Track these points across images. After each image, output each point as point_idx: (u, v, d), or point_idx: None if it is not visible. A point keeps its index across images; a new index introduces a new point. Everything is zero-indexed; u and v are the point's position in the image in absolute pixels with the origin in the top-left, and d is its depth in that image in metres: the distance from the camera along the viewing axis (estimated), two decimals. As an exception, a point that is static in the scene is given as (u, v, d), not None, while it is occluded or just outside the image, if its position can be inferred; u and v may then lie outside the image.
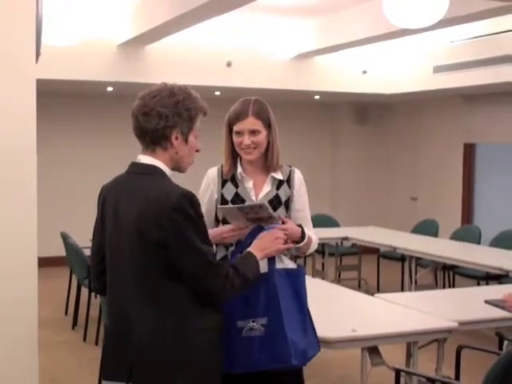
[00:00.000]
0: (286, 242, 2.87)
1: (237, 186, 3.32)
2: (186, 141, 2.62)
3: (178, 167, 2.67)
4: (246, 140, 3.25)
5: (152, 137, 2.59)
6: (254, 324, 2.73)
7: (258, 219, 2.98)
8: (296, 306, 2.86)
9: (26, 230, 3.37)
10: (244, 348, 2.74)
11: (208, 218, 3.31)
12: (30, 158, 3.39)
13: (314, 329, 2.98)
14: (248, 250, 2.75)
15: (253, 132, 3.25)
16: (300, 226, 3.24)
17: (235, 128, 3.28)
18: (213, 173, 3.39)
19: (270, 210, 2.98)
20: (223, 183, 3.34)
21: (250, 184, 3.33)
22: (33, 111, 3.40)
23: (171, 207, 2.46)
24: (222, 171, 3.37)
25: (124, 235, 2.54)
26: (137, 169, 2.63)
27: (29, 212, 3.38)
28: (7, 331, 3.35)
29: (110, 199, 2.65)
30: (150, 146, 2.61)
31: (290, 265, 2.97)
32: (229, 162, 3.36)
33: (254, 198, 3.29)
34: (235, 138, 3.30)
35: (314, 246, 3.36)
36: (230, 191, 3.32)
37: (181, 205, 2.46)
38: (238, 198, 3.30)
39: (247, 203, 3.14)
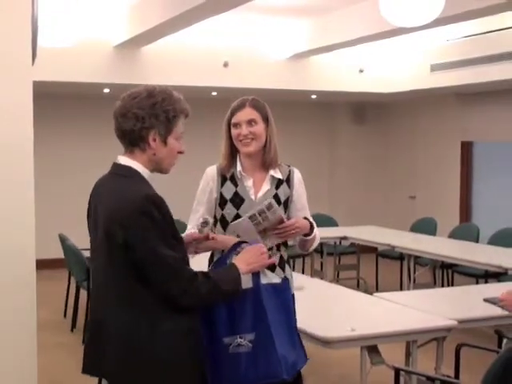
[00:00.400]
0: (270, 257, 2.80)
1: (236, 185, 3.33)
2: (164, 142, 2.59)
3: (158, 169, 2.65)
4: (244, 130, 3.27)
5: (130, 138, 2.59)
6: (242, 340, 2.67)
7: (269, 229, 3.04)
8: (284, 320, 2.79)
9: (24, 232, 3.37)
10: (231, 365, 2.67)
11: (210, 216, 3.33)
12: (28, 160, 3.38)
13: (301, 341, 2.93)
14: (232, 262, 2.71)
15: (250, 122, 3.27)
16: (306, 218, 3.28)
17: (233, 120, 3.30)
18: (212, 171, 3.39)
19: (278, 209, 2.98)
20: (222, 182, 3.34)
21: (249, 182, 3.33)
22: (30, 113, 3.39)
23: (135, 210, 2.46)
24: (221, 170, 3.37)
25: (99, 236, 2.57)
26: (115, 169, 2.64)
27: (27, 214, 3.37)
28: (6, 334, 3.34)
29: (94, 198, 2.68)
30: (129, 147, 2.61)
31: (275, 279, 2.90)
32: (227, 159, 3.37)
33: (252, 197, 3.30)
34: (233, 131, 3.31)
35: (316, 243, 3.42)
36: (229, 190, 3.32)
37: (144, 208, 2.45)
38: (237, 197, 3.30)
39: (256, 209, 3.09)
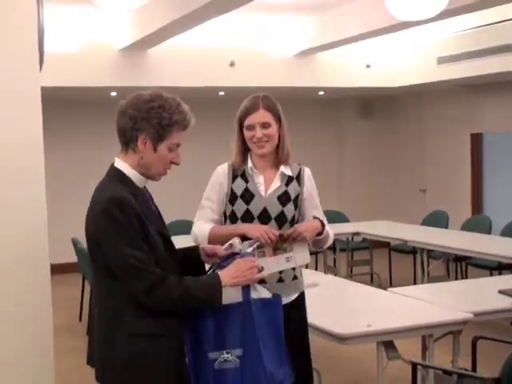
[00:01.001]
0: (260, 271, 2.71)
1: (247, 181, 3.35)
2: (154, 149, 2.59)
3: (146, 174, 2.65)
4: (258, 133, 3.27)
5: (123, 137, 2.63)
6: (229, 356, 2.59)
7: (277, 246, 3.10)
8: (272, 336, 2.70)
9: (37, 237, 3.37)
10: (216, 382, 2.58)
11: (217, 213, 3.32)
12: (38, 165, 3.39)
13: (287, 359, 2.80)
14: (217, 271, 2.68)
15: (264, 125, 3.27)
16: (316, 217, 3.29)
17: (246, 122, 3.30)
18: (223, 168, 3.41)
19: (245, 245, 2.90)
20: (234, 178, 3.35)
21: (260, 179, 3.35)
22: (39, 119, 3.40)
23: (99, 210, 2.51)
24: (232, 167, 3.38)
25: None
26: (108, 170, 2.68)
27: (39, 219, 3.38)
28: (24, 339, 3.35)
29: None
30: (123, 145, 2.65)
31: (264, 294, 2.83)
32: (239, 158, 3.37)
33: (262, 193, 3.33)
34: (246, 133, 3.31)
35: (331, 240, 3.41)
36: (239, 186, 3.34)
37: (107, 209, 2.49)
38: (247, 193, 3.32)
39: (246, 251, 2.93)
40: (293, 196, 3.36)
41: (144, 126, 2.56)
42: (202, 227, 3.36)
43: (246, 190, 3.33)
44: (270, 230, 3.14)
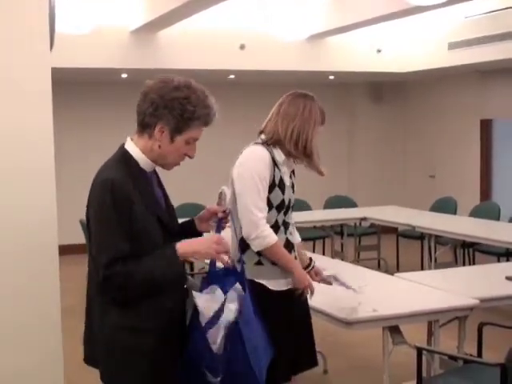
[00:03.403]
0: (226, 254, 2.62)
1: (280, 170, 3.37)
2: (171, 139, 2.51)
3: (158, 162, 2.58)
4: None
5: (141, 119, 2.54)
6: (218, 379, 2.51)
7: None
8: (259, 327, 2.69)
9: (46, 218, 3.39)
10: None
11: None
12: (48, 146, 3.41)
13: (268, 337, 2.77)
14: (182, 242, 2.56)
15: None
16: (310, 258, 3.59)
17: (319, 128, 3.46)
18: (265, 153, 3.35)
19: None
20: (274, 165, 3.34)
21: (286, 169, 3.42)
22: (49, 100, 3.41)
23: (93, 192, 2.49)
24: (270, 153, 3.35)
25: None
26: (116, 151, 2.62)
27: (48, 200, 3.40)
28: (32, 320, 3.38)
29: None
30: (140, 127, 2.56)
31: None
32: (273, 138, 3.39)
33: (288, 184, 3.41)
34: (315, 136, 3.42)
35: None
36: (277, 174, 3.36)
37: (96, 192, 2.47)
38: (281, 182, 3.39)
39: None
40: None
41: (164, 114, 2.47)
42: (271, 234, 3.30)
43: (281, 179, 3.35)
44: (311, 285, 3.40)
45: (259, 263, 3.32)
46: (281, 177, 3.35)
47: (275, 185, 3.32)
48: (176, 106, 2.47)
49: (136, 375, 2.50)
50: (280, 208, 3.35)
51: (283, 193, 3.35)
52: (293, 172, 3.49)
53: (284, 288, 3.35)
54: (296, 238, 3.53)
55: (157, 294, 2.49)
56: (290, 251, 3.39)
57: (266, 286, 3.28)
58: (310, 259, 3.63)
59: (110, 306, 2.48)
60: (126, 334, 2.48)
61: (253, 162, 3.31)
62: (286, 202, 3.37)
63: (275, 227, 3.33)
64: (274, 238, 3.28)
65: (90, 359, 2.69)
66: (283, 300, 3.33)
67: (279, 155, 3.36)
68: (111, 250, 2.40)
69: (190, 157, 2.60)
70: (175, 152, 2.55)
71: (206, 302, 2.52)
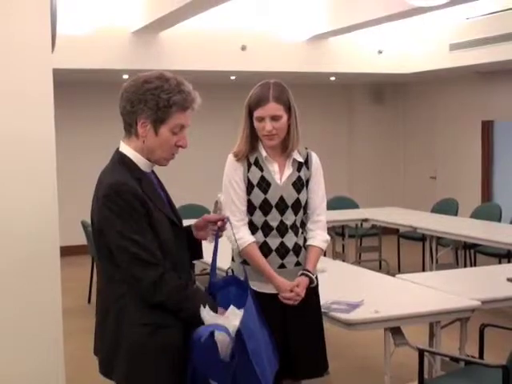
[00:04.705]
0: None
1: (261, 170, 3.32)
2: (155, 132, 2.50)
3: (152, 159, 2.57)
4: (268, 126, 3.24)
5: (124, 120, 2.56)
6: None
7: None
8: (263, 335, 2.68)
9: (47, 219, 3.39)
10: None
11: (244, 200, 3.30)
12: (49, 147, 3.41)
13: (275, 347, 2.79)
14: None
15: (274, 118, 3.24)
16: (306, 273, 3.31)
17: (256, 113, 3.27)
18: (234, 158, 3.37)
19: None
20: (248, 167, 3.32)
21: (275, 167, 3.34)
22: (50, 101, 3.41)
23: (101, 197, 2.47)
24: (246, 155, 3.34)
25: None
26: (113, 155, 2.62)
27: (50, 201, 3.40)
28: (32, 321, 3.38)
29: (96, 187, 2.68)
30: (126, 130, 2.58)
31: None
32: (245, 144, 3.34)
33: (278, 182, 3.32)
34: (256, 124, 3.28)
35: (325, 245, 3.45)
36: (255, 175, 3.32)
37: (108, 196, 2.44)
38: (263, 182, 3.31)
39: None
40: (304, 180, 3.37)
41: (141, 108, 2.47)
42: (245, 236, 3.28)
43: (262, 178, 3.31)
44: (299, 294, 3.22)
45: (245, 262, 3.31)
46: (262, 176, 3.31)
47: (253, 185, 3.30)
48: (149, 97, 2.48)
49: (157, 372, 2.50)
50: (263, 208, 3.31)
51: (265, 192, 3.30)
52: (302, 166, 3.38)
53: (266, 291, 3.25)
54: (292, 241, 3.36)
55: None
56: (266, 255, 3.30)
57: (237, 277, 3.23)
58: (306, 274, 3.36)
59: (127, 304, 2.49)
60: (146, 331, 2.48)
61: (226, 168, 3.37)
62: (272, 202, 3.30)
63: (253, 229, 3.31)
64: (245, 241, 3.25)
65: (97, 352, 2.69)
66: (265, 302, 3.05)
67: (260, 153, 3.34)
68: (148, 269, 2.44)
69: (183, 146, 2.58)
70: (164, 144, 2.54)
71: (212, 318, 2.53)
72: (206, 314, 2.50)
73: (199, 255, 2.80)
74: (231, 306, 2.56)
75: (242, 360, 2.47)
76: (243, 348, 2.47)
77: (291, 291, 3.24)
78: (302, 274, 3.31)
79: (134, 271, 2.45)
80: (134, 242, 2.42)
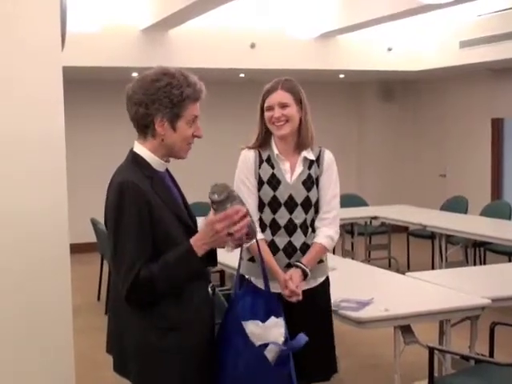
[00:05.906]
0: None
1: (273, 167, 3.35)
2: (173, 128, 2.51)
3: (170, 154, 2.58)
4: (276, 112, 3.28)
5: (137, 124, 2.55)
6: None
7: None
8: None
9: (57, 217, 3.40)
10: None
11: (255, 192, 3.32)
12: (59, 145, 3.41)
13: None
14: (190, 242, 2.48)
15: (282, 105, 3.28)
16: (298, 265, 3.28)
17: (266, 103, 3.33)
18: (250, 153, 3.39)
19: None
20: (260, 163, 3.35)
21: (286, 166, 3.36)
22: (60, 99, 3.41)
23: (110, 196, 2.49)
24: (258, 152, 3.37)
25: None
26: (127, 156, 2.61)
27: (60, 199, 3.40)
28: (43, 319, 3.38)
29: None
30: (140, 132, 2.56)
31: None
32: (259, 141, 3.38)
33: (288, 180, 3.34)
34: (266, 114, 3.33)
35: (332, 244, 3.43)
36: (266, 172, 3.35)
37: (114, 195, 2.45)
38: (274, 179, 3.32)
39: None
40: (314, 178, 3.37)
41: (156, 108, 2.47)
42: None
43: (273, 176, 3.33)
44: (293, 290, 3.19)
45: (252, 260, 3.33)
46: (273, 173, 3.33)
47: (263, 182, 3.33)
48: (162, 95, 2.47)
49: (168, 375, 2.49)
50: (272, 205, 3.32)
51: (274, 189, 3.32)
52: (313, 164, 3.38)
53: (274, 290, 3.16)
54: (300, 240, 3.36)
55: (181, 292, 2.49)
56: (273, 254, 3.30)
57: (255, 285, 3.23)
58: (298, 265, 3.33)
59: (136, 308, 2.47)
60: (156, 334, 2.47)
61: (239, 164, 3.41)
62: (281, 199, 3.31)
63: (262, 226, 3.33)
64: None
65: (109, 350, 2.70)
66: None
67: (273, 151, 3.37)
68: (133, 255, 2.41)
69: (199, 136, 2.59)
70: (181, 138, 2.54)
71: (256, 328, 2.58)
72: (254, 327, 2.53)
73: (214, 262, 2.68)
74: (272, 317, 2.63)
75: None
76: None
77: (286, 288, 3.22)
78: (294, 266, 3.30)
79: (114, 271, 2.49)
80: (122, 245, 2.42)
